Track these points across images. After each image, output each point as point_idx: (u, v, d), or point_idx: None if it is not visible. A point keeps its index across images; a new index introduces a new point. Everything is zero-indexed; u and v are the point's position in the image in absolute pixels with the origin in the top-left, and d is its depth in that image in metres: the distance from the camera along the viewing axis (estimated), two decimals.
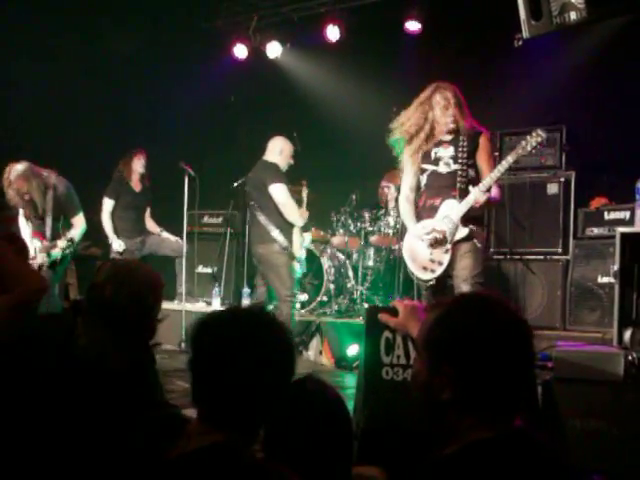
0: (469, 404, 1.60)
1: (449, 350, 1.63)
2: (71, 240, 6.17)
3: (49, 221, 6.20)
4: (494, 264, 6.74)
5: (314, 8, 8.72)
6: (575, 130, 6.75)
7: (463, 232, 4.82)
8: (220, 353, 1.69)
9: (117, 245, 7.31)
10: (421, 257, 4.95)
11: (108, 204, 7.42)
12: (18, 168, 6.08)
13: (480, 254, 4.91)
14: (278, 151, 6.46)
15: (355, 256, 7.83)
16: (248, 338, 1.71)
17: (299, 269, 6.62)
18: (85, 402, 2.11)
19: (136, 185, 7.58)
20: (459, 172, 4.87)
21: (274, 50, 9.06)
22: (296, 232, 6.43)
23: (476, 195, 4.70)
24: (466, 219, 4.82)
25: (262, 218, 6.29)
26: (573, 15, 3.72)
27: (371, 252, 7.72)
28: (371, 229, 7.65)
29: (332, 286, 7.58)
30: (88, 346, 2.27)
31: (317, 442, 1.89)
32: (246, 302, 7.58)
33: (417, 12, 8.00)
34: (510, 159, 4.70)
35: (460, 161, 4.88)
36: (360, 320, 6.99)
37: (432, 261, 4.90)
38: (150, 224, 7.80)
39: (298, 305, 7.42)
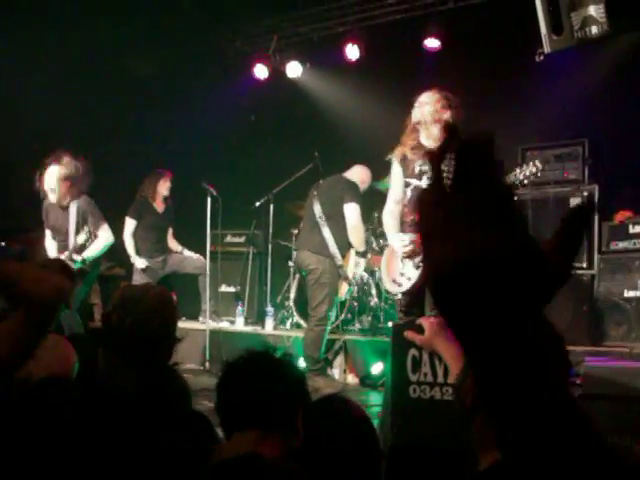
0: (491, 418, 1.59)
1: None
2: (83, 260, 6.12)
3: (72, 235, 6.23)
4: None
5: (333, 28, 8.78)
6: (597, 143, 6.71)
7: None
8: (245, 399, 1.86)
9: (139, 263, 7.35)
10: (392, 269, 4.83)
11: (130, 224, 7.47)
12: (56, 170, 6.10)
13: None
14: (362, 178, 6.50)
15: (378, 274, 7.80)
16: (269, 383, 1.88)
17: (346, 293, 6.61)
18: (104, 426, 2.12)
19: (159, 206, 7.63)
20: None
21: (294, 70, 9.11)
22: (352, 255, 6.42)
23: None
24: None
25: (326, 230, 6.23)
26: (595, 29, 3.72)
27: None
28: None
29: (355, 304, 7.56)
30: (105, 372, 2.30)
31: (345, 461, 1.89)
32: (269, 321, 7.60)
33: (436, 29, 8.01)
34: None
35: None
36: (384, 338, 6.96)
37: (402, 274, 4.74)
38: (172, 243, 7.84)
39: None
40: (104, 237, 6.29)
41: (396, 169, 4.85)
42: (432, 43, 8.10)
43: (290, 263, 7.34)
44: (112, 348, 2.37)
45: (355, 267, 6.67)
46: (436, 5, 8.00)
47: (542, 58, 4.40)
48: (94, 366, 2.33)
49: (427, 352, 2.66)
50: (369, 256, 7.24)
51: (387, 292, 4.99)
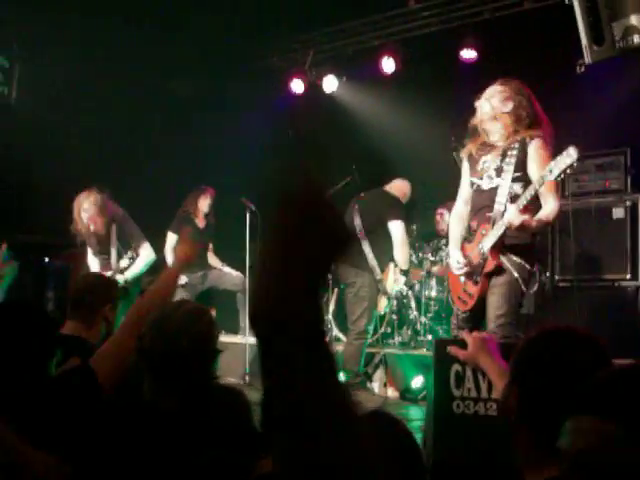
0: (537, 436, 1.58)
1: (518, 371, 1.64)
2: (125, 281, 6.20)
3: (114, 254, 6.31)
4: (560, 292, 6.62)
5: (368, 41, 8.80)
6: None
7: (490, 266, 4.24)
8: None
9: (179, 279, 7.39)
10: (457, 286, 4.56)
11: (172, 239, 7.54)
12: (89, 202, 6.16)
13: (513, 290, 4.23)
14: (404, 192, 6.52)
15: (417, 287, 7.78)
16: None
17: (384, 307, 6.59)
18: (149, 446, 2.15)
19: (200, 221, 7.68)
20: (499, 189, 4.23)
21: (330, 84, 9.14)
22: (392, 270, 6.40)
23: (509, 217, 4.04)
24: (504, 248, 4.22)
25: (365, 244, 6.23)
26: (637, 38, 3.68)
27: (433, 282, 7.67)
28: (433, 259, 7.61)
29: (395, 317, 7.53)
30: (149, 391, 2.32)
31: (389, 477, 1.88)
32: None
33: (472, 40, 7.97)
34: (550, 175, 3.95)
35: (503, 175, 4.23)
36: (424, 351, 6.92)
37: (465, 292, 4.46)
38: (212, 259, 7.89)
39: None
40: (145, 255, 6.39)
41: (465, 166, 4.56)
42: (468, 54, 8.06)
43: (328, 276, 7.33)
44: (149, 370, 2.38)
45: (395, 283, 6.64)
46: (472, 16, 7.96)
47: (583, 69, 4.33)
48: (140, 385, 2.34)
49: (470, 367, 2.63)
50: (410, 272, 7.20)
51: (456, 310, 4.61)
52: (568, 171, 3.87)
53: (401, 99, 8.66)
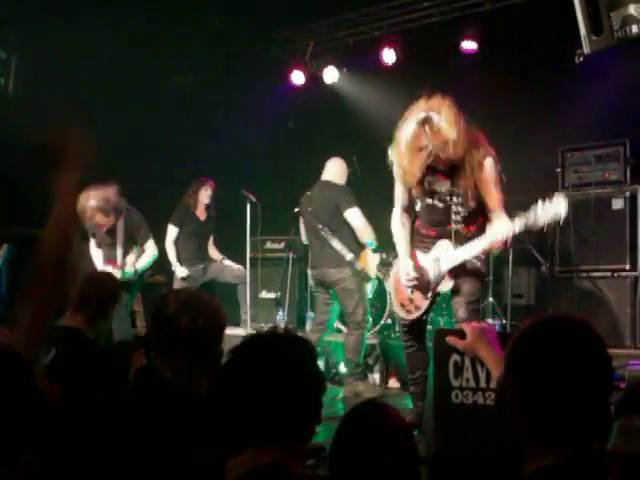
0: (534, 425, 1.59)
1: (514, 361, 1.65)
2: (136, 271, 6.38)
3: (120, 248, 6.37)
4: (560, 283, 6.63)
5: (369, 32, 8.79)
6: (639, 143, 6.62)
7: (447, 285, 4.38)
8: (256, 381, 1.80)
9: (180, 272, 7.43)
10: (402, 292, 4.57)
11: (172, 231, 7.55)
12: (96, 197, 6.14)
13: (477, 279, 4.41)
14: (342, 173, 6.50)
15: None
16: (280, 365, 1.83)
17: (370, 290, 6.61)
18: (185, 433, 2.14)
19: (201, 214, 7.69)
20: (453, 208, 4.32)
21: (331, 75, 9.13)
22: (369, 254, 6.42)
23: (465, 257, 4.26)
24: (459, 270, 4.36)
25: (335, 242, 6.25)
26: (635, 28, 3.68)
27: None
28: None
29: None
30: (174, 377, 2.29)
31: (380, 468, 1.89)
32: (309, 326, 7.62)
33: (473, 31, 7.97)
34: (515, 227, 4.00)
35: (456, 197, 4.29)
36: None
37: (411, 301, 4.52)
38: (213, 252, 7.90)
39: None
40: (151, 250, 6.54)
41: (397, 175, 4.58)
42: (469, 45, 8.05)
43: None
44: (180, 350, 2.36)
45: (374, 262, 6.68)
46: (472, 7, 7.96)
47: (582, 59, 4.34)
48: (149, 372, 2.34)
49: (469, 357, 2.65)
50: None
51: (395, 314, 4.73)
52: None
53: (402, 90, 8.62)
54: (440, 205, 4.37)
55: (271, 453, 1.74)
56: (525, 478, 1.58)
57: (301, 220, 6.78)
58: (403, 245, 4.56)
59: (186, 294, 2.61)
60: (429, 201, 4.40)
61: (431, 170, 4.32)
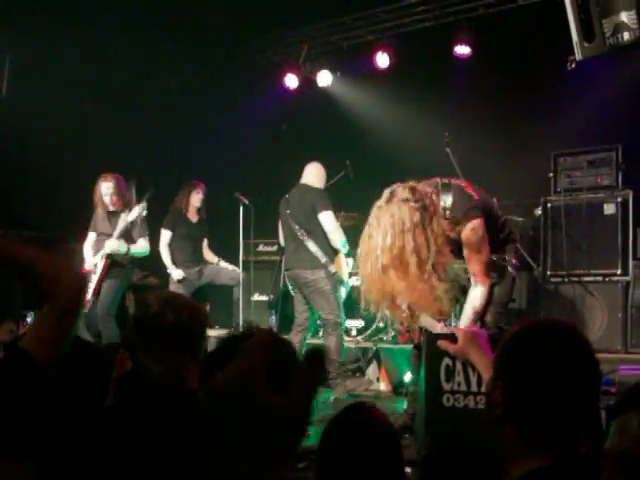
0: (522, 428, 1.60)
1: (502, 365, 1.67)
2: (128, 249, 6.72)
3: (115, 236, 6.70)
4: (552, 287, 6.66)
5: (363, 36, 8.82)
6: (631, 148, 6.65)
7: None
8: None
9: (176, 274, 7.43)
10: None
11: (165, 235, 7.55)
12: (109, 185, 6.72)
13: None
14: (321, 177, 6.57)
15: None
16: None
17: (344, 294, 6.64)
18: (183, 426, 2.15)
19: (193, 216, 7.69)
20: None
21: (325, 79, 9.15)
22: (342, 258, 6.47)
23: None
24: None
25: (310, 244, 6.31)
26: (626, 35, 3.70)
27: None
28: None
29: (388, 312, 7.54)
30: (165, 373, 2.30)
31: (364, 469, 1.90)
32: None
33: (466, 36, 8.00)
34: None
35: None
36: None
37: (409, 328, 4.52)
38: (208, 254, 7.90)
39: (354, 332, 7.45)
40: (142, 245, 6.83)
41: None
42: (462, 50, 8.08)
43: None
44: (168, 345, 2.36)
45: (347, 267, 6.74)
46: (466, 12, 7.99)
47: (573, 66, 4.36)
48: (137, 373, 2.33)
49: (460, 361, 2.66)
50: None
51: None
52: None
53: (395, 94, 8.69)
54: None
55: None
56: None
57: (279, 222, 6.82)
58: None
59: (166, 294, 2.64)
60: None
61: None
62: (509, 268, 4.31)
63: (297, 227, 6.40)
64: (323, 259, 6.27)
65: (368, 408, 2.09)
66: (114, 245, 6.59)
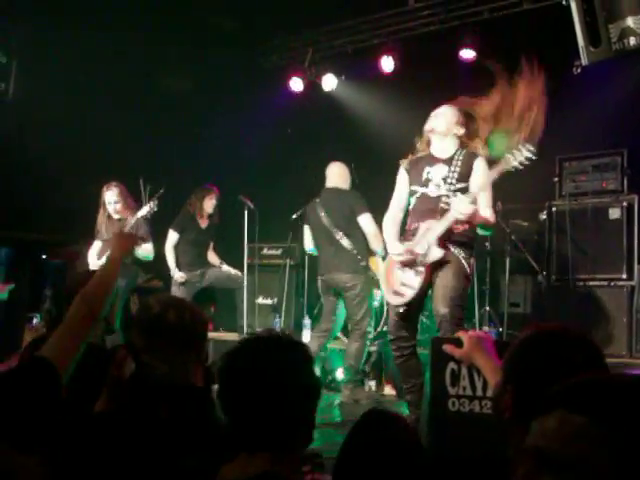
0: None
1: (512, 370, 1.66)
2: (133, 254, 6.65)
3: None
4: (557, 291, 6.65)
5: (368, 40, 8.81)
6: (637, 153, 6.63)
7: (437, 253, 4.43)
8: (248, 383, 1.79)
9: (179, 277, 7.43)
10: (393, 280, 4.65)
11: (173, 237, 7.55)
12: (113, 192, 6.76)
13: (461, 274, 4.47)
14: (346, 177, 6.56)
15: None
16: (272, 366, 1.81)
17: (378, 301, 6.65)
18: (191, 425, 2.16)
19: (203, 222, 7.68)
20: (443, 195, 4.53)
21: (329, 83, 9.14)
22: (379, 260, 6.44)
23: (459, 206, 4.31)
24: (447, 241, 4.47)
25: (350, 246, 6.28)
26: (633, 40, 3.70)
27: None
28: None
29: None
30: (171, 372, 2.30)
31: (390, 474, 1.89)
32: (307, 333, 7.61)
33: (471, 40, 7.98)
34: (494, 174, 4.40)
35: (449, 182, 4.56)
36: (421, 350, 6.93)
37: (403, 284, 4.57)
38: (212, 257, 7.90)
39: None
40: (148, 249, 6.78)
41: (402, 175, 4.84)
42: (467, 54, 8.06)
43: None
44: (172, 345, 2.36)
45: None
46: (471, 16, 7.98)
47: (579, 70, 4.37)
48: (143, 374, 2.33)
49: (466, 365, 2.66)
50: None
51: (390, 306, 4.82)
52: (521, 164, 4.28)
53: (400, 98, 8.67)
54: (432, 194, 4.58)
55: (264, 459, 1.74)
56: None
57: (306, 228, 6.77)
58: (392, 236, 4.78)
59: (166, 296, 2.66)
60: (425, 190, 4.62)
61: (430, 161, 4.69)
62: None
63: (335, 230, 6.36)
64: (363, 262, 6.26)
65: (383, 411, 2.08)
66: None
